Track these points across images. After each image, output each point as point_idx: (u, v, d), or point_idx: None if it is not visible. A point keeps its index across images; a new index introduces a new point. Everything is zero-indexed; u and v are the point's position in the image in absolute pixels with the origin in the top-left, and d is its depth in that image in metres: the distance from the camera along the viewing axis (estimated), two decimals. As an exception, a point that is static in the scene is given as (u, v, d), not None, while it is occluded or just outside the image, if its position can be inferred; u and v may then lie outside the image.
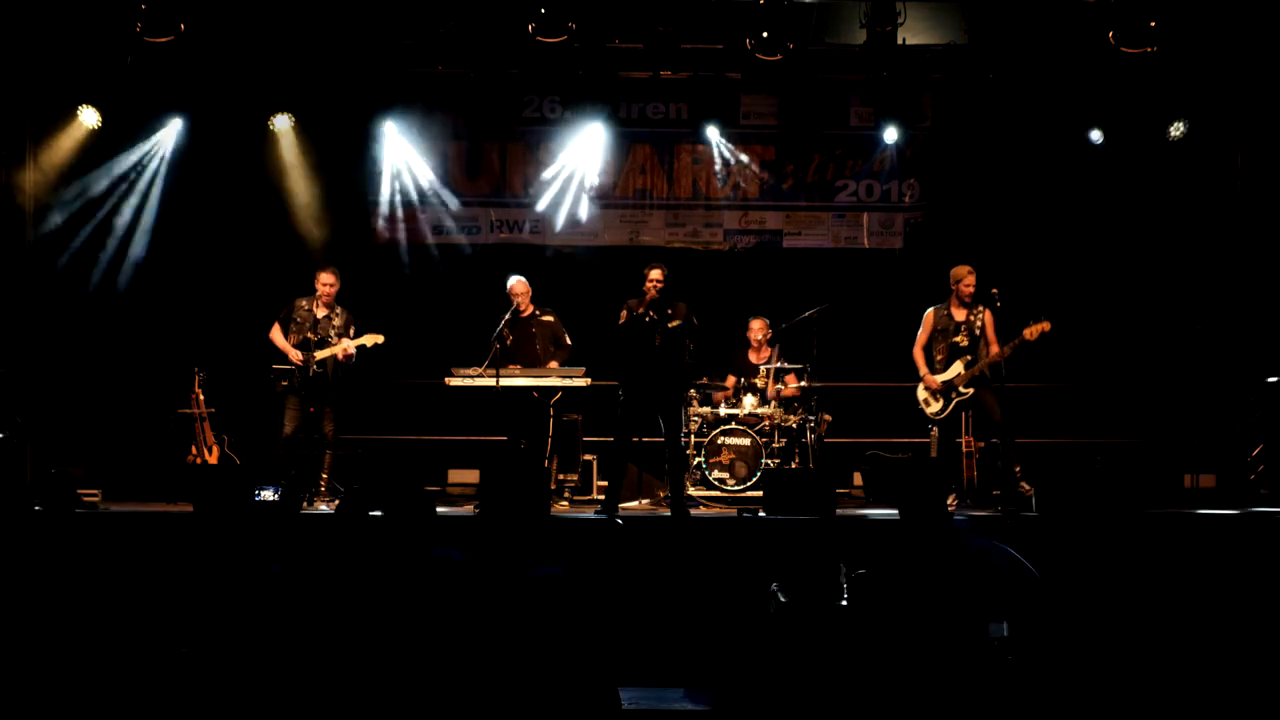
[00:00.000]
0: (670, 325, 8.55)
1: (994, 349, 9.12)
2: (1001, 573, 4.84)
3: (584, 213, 11.55)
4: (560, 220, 11.55)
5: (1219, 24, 9.95)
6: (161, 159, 10.95)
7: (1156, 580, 4.45)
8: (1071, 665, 4.06)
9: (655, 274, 8.58)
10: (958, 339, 9.21)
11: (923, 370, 9.33)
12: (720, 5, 9.97)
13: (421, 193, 11.40)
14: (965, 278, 9.20)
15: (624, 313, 8.63)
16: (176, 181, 10.99)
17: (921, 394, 9.36)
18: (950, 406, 9.20)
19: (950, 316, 9.28)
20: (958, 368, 9.18)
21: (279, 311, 9.42)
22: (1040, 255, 11.04)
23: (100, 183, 10.87)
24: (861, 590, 5.59)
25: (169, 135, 10.89)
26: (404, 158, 11.30)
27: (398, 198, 11.41)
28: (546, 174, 11.47)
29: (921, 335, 9.40)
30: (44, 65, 10.26)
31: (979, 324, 9.18)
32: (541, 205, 11.51)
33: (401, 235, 11.52)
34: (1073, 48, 9.90)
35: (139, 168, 10.95)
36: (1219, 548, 7.16)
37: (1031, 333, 8.89)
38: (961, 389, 9.13)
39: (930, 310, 9.39)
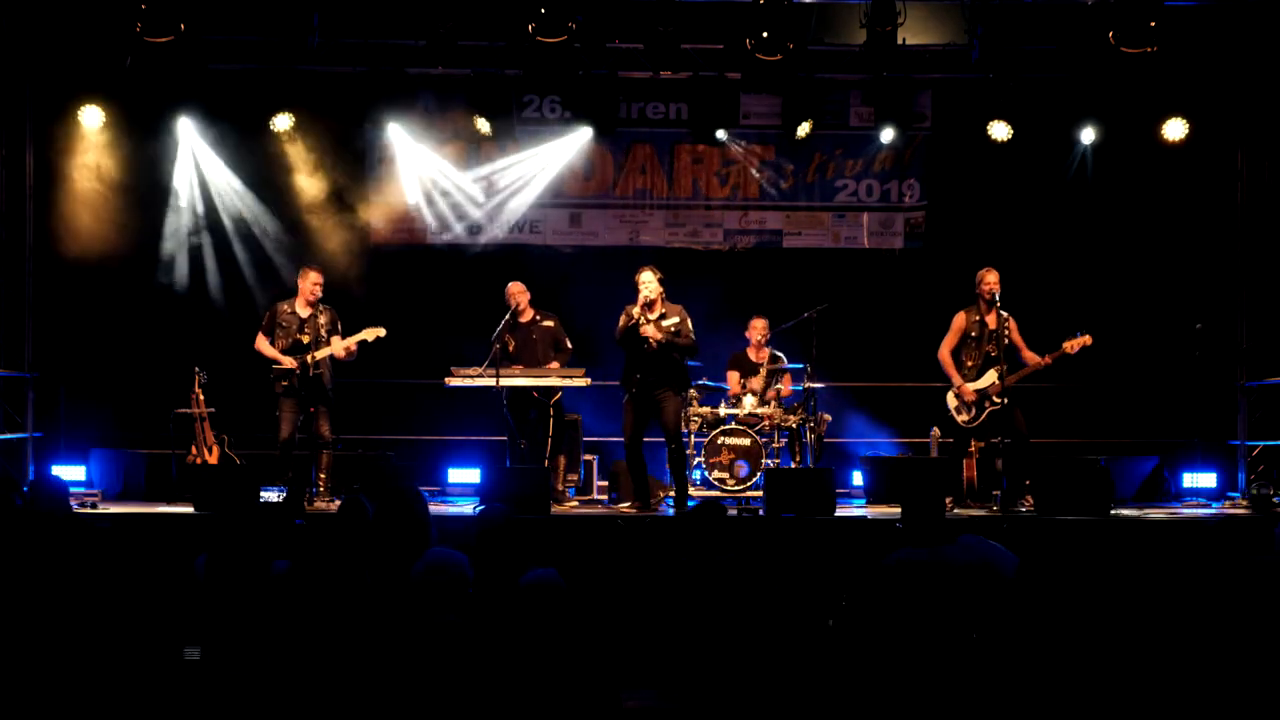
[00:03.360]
0: (668, 327, 8.63)
1: (1027, 355, 9.09)
2: (990, 565, 4.85)
3: (584, 213, 11.55)
4: (560, 220, 11.55)
5: (1219, 24, 9.95)
6: (167, 158, 10.97)
7: (1153, 580, 4.46)
8: (1064, 663, 4.06)
9: (644, 276, 8.74)
10: (989, 347, 9.13)
11: (955, 377, 9.23)
12: (720, 5, 9.98)
13: (421, 192, 11.40)
14: (985, 277, 9.17)
15: (623, 318, 8.74)
16: (176, 182, 11.00)
17: (952, 401, 9.29)
18: (983, 416, 9.14)
19: (982, 323, 9.19)
20: (991, 376, 9.09)
21: (263, 319, 9.40)
22: (1040, 255, 11.03)
23: (100, 181, 10.87)
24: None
25: (175, 136, 10.89)
26: (403, 158, 11.29)
27: (397, 198, 11.41)
28: (547, 174, 11.47)
29: (950, 339, 9.30)
30: (46, 65, 10.27)
31: (1007, 331, 9.13)
32: (541, 205, 11.51)
33: (401, 235, 11.52)
34: (1073, 47, 9.91)
35: (139, 167, 10.95)
36: (1217, 548, 7.16)
37: (1072, 346, 8.91)
38: (995, 398, 9.08)
39: (960, 314, 9.30)
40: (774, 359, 10.21)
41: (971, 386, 9.16)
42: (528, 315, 9.62)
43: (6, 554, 4.82)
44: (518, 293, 9.57)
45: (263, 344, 9.27)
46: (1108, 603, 4.24)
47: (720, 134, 11.17)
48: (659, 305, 8.72)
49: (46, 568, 4.63)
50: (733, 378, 10.23)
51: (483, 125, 10.66)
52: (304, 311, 9.30)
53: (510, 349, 9.44)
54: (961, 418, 9.23)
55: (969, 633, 4.27)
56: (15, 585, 4.55)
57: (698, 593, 4.59)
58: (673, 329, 8.68)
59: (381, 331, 9.27)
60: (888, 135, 10.98)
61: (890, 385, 11.19)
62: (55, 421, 10.91)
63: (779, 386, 10.01)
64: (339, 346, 9.20)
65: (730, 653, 4.23)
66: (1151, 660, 4.02)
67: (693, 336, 8.81)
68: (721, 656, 4.25)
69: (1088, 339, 8.93)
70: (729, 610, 4.50)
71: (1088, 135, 10.78)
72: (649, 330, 8.65)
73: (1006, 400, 9.01)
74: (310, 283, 9.28)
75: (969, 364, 9.21)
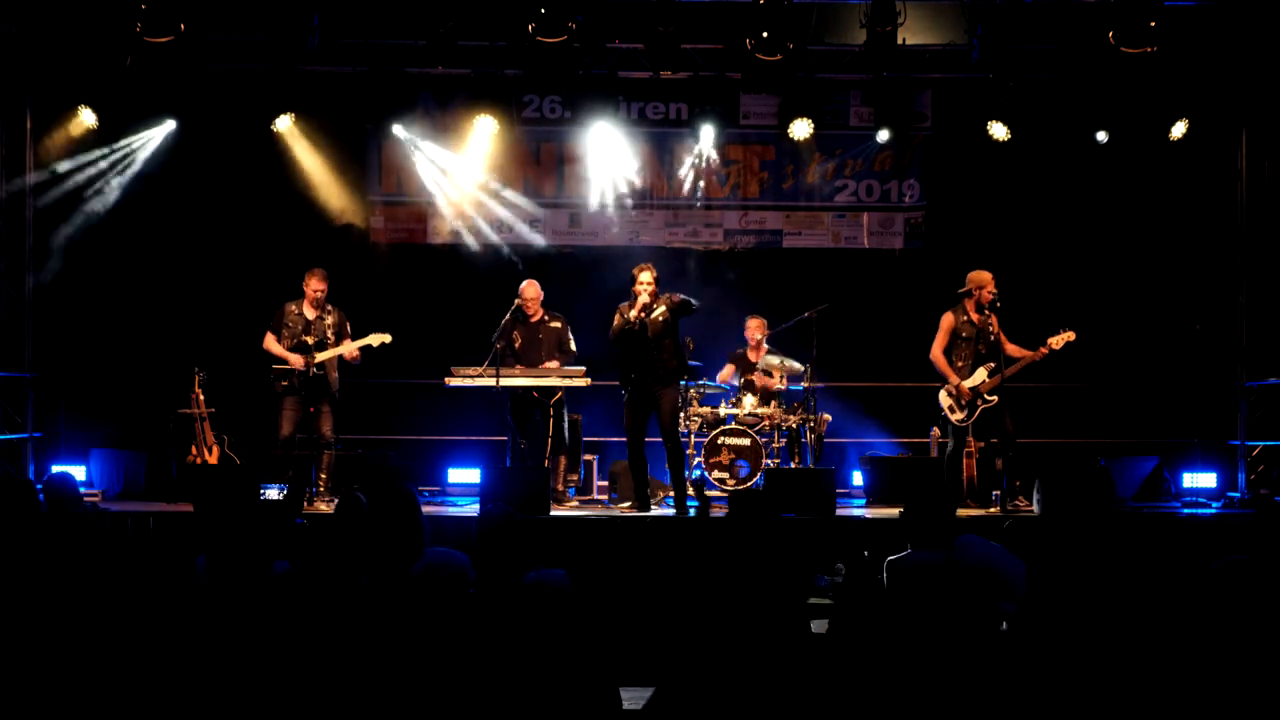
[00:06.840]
0: (656, 318, 8.60)
1: (1010, 349, 9.10)
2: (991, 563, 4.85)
3: (583, 213, 11.56)
4: (560, 220, 11.55)
5: (1219, 24, 9.95)
6: (161, 158, 10.95)
7: (1153, 580, 4.45)
8: (1068, 663, 4.06)
9: (643, 277, 8.69)
10: (979, 346, 9.17)
11: (951, 376, 9.24)
12: (720, 5, 9.98)
13: (421, 193, 11.40)
14: (988, 284, 9.17)
15: (617, 318, 8.72)
16: (177, 181, 11.00)
17: (945, 400, 9.29)
18: (975, 414, 9.16)
19: (970, 322, 9.22)
20: (981, 375, 9.12)
21: (270, 318, 9.39)
22: (1040, 256, 11.04)
23: (100, 181, 10.88)
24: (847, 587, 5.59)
25: (163, 134, 10.88)
26: (403, 158, 11.30)
27: (397, 198, 11.41)
28: (546, 174, 11.46)
29: (941, 339, 9.31)
30: (47, 65, 10.25)
31: (992, 330, 9.15)
32: (541, 205, 11.51)
33: (401, 235, 11.52)
34: (1073, 47, 9.91)
35: (139, 168, 10.94)
36: (1217, 548, 7.15)
37: (1057, 341, 8.94)
38: (987, 396, 9.10)
39: (948, 314, 9.32)
40: (772, 355, 10.20)
41: (966, 384, 9.18)
42: (537, 315, 9.63)
43: (24, 555, 4.83)
44: (531, 295, 9.57)
45: (271, 343, 9.28)
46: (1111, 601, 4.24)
47: (706, 135, 11.10)
48: (654, 303, 8.72)
49: (62, 567, 4.63)
50: (727, 369, 10.25)
51: (483, 125, 10.63)
52: (310, 313, 9.30)
53: (516, 345, 9.46)
54: (955, 416, 9.24)
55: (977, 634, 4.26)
56: (33, 585, 4.55)
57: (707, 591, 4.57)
58: (661, 316, 8.66)
59: (387, 338, 9.29)
60: (887, 135, 10.96)
61: (890, 385, 11.18)
62: (55, 421, 10.92)
63: (768, 379, 9.97)
64: (344, 349, 9.22)
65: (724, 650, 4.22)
66: (1150, 660, 4.02)
67: (684, 296, 8.78)
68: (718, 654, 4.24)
69: (1071, 335, 8.98)
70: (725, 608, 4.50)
71: (1091, 136, 10.75)
72: (643, 311, 8.62)
73: (998, 399, 9.03)
74: (311, 289, 9.28)
75: (959, 364, 9.23)
